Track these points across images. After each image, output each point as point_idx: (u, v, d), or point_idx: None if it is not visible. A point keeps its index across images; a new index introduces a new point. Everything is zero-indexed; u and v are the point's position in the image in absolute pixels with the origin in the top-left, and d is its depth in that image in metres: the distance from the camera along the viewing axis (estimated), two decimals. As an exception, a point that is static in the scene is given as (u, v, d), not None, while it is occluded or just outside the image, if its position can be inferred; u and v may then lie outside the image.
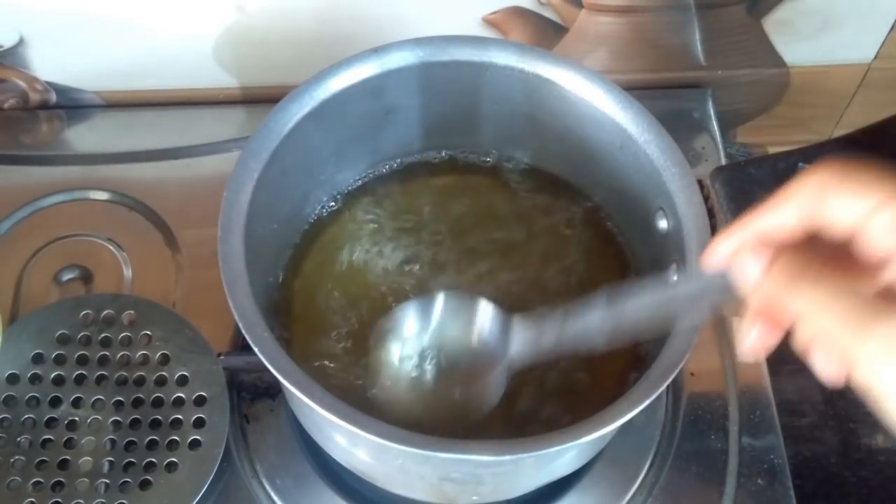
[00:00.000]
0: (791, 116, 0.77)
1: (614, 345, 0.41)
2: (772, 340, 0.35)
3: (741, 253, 0.35)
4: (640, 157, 0.50)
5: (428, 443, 0.40)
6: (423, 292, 0.53)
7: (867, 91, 0.75)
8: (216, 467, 0.51)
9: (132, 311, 0.56)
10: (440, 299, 0.48)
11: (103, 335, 0.55)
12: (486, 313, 0.47)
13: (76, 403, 0.53)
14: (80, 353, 0.55)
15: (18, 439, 0.52)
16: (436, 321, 0.48)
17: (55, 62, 0.68)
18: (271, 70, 0.69)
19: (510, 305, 0.53)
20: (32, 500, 0.50)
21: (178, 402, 0.53)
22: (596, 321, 0.41)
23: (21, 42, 0.66)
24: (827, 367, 0.32)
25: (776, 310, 0.34)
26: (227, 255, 0.45)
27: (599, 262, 0.55)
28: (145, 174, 0.67)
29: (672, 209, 0.48)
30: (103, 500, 0.50)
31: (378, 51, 0.51)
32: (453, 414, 0.48)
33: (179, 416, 0.53)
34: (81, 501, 0.50)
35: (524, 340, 0.45)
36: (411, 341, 0.48)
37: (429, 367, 0.48)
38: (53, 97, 0.70)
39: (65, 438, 0.52)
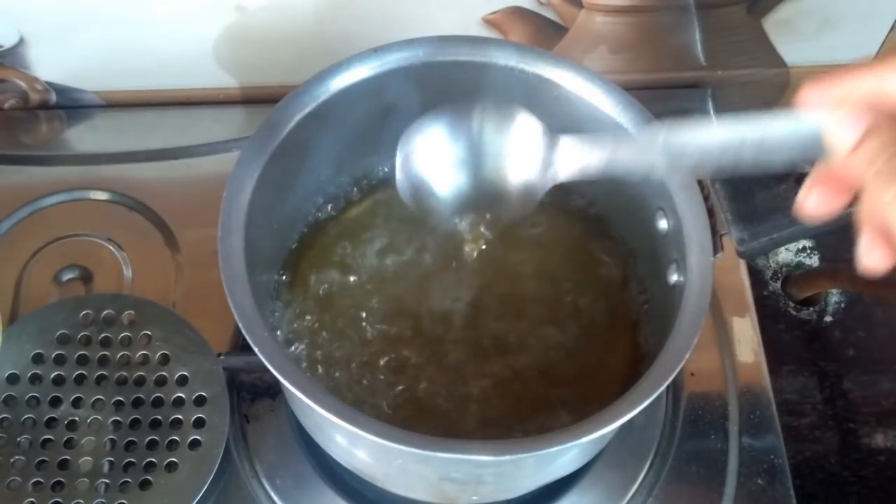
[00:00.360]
0: (791, 117, 0.77)
1: (673, 179, 0.38)
2: (832, 208, 0.32)
3: (842, 107, 0.31)
4: (640, 157, 0.50)
5: (428, 443, 0.40)
6: (424, 288, 0.53)
7: (867, 91, 0.75)
8: (216, 467, 0.51)
9: (132, 311, 0.56)
10: (476, 108, 0.44)
11: (103, 335, 0.55)
12: (526, 126, 0.43)
13: (76, 403, 0.53)
14: (80, 353, 0.55)
15: (18, 439, 0.52)
16: (470, 131, 0.44)
17: (55, 62, 0.68)
18: (271, 70, 0.69)
19: (508, 304, 0.53)
20: (32, 500, 0.50)
21: (178, 402, 0.53)
22: (653, 151, 0.37)
23: (21, 42, 0.66)
24: (873, 253, 0.31)
25: (851, 180, 0.31)
26: (227, 255, 0.45)
27: (599, 262, 0.55)
28: (145, 174, 0.67)
29: (672, 209, 0.48)
30: (103, 500, 0.50)
31: (378, 51, 0.51)
32: (481, 216, 0.46)
33: (179, 416, 0.53)
34: (81, 501, 0.50)
35: (570, 159, 0.42)
36: (443, 149, 0.45)
37: (459, 175, 0.45)
38: (53, 97, 0.70)
39: (65, 438, 0.52)
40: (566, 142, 0.42)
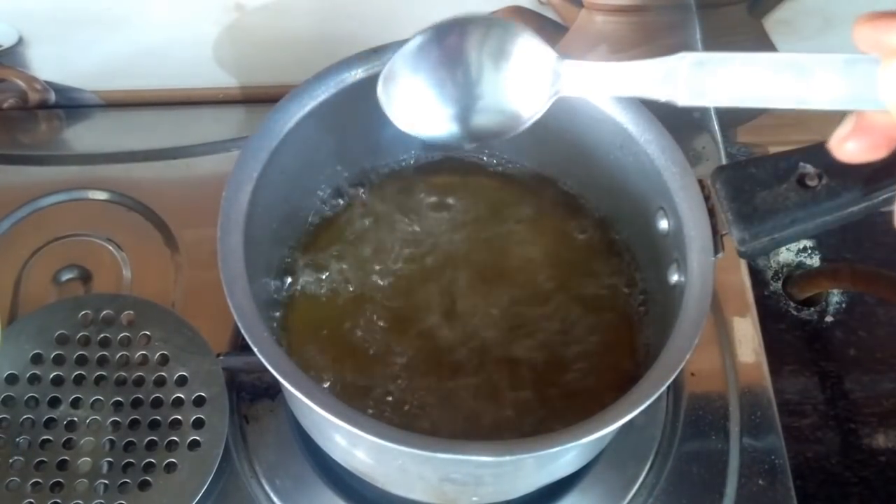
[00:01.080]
0: (791, 116, 0.77)
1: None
2: (869, 158, 0.30)
3: None
4: (640, 156, 0.50)
5: (428, 443, 0.40)
6: (422, 291, 0.53)
7: (868, 91, 0.75)
8: (215, 468, 0.51)
9: (131, 312, 0.56)
10: (471, 25, 0.42)
11: (102, 335, 0.55)
12: (527, 47, 0.41)
13: (75, 404, 0.53)
14: (79, 353, 0.55)
15: (17, 440, 0.52)
16: (464, 51, 0.43)
17: (54, 62, 0.68)
18: (271, 70, 0.69)
19: (508, 305, 0.53)
20: (31, 500, 0.50)
21: (178, 403, 0.53)
22: (673, 82, 0.34)
23: (21, 42, 0.66)
24: None
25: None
26: (227, 255, 0.45)
27: (599, 262, 0.55)
28: (145, 174, 0.67)
29: (672, 209, 0.48)
30: (102, 501, 0.50)
31: (378, 51, 0.51)
32: (476, 136, 0.43)
33: (179, 417, 0.53)
34: (80, 502, 0.50)
35: (575, 81, 0.40)
36: (432, 73, 0.43)
37: (450, 97, 0.43)
38: (52, 97, 0.70)
39: (64, 439, 0.52)
40: (571, 66, 0.40)
